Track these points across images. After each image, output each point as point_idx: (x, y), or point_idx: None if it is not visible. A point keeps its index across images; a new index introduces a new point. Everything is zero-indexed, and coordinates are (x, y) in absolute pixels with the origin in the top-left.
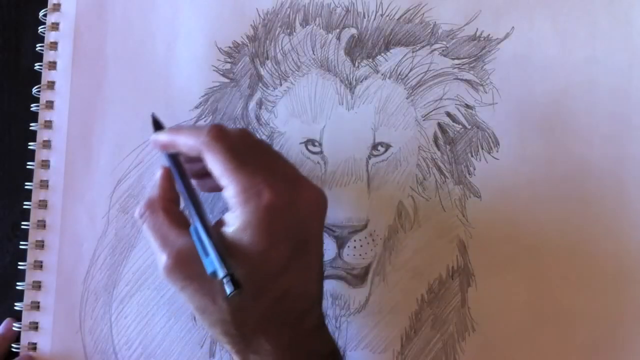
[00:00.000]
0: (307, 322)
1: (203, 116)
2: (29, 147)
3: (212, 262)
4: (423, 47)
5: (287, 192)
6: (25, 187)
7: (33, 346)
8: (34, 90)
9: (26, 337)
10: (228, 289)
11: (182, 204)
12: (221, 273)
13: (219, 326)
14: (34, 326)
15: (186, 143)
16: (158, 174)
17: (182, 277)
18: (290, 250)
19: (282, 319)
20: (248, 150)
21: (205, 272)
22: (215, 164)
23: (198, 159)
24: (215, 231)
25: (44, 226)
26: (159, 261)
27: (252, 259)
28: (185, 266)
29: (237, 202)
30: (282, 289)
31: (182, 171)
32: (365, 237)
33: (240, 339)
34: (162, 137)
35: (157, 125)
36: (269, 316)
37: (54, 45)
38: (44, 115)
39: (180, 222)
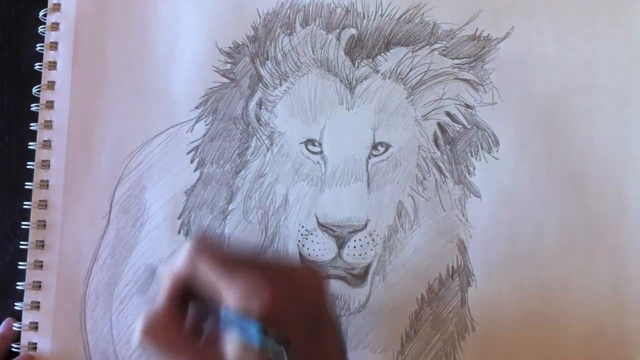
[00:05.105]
0: None
1: (203, 116)
2: (29, 147)
3: (256, 334)
4: (423, 47)
5: (285, 284)
6: (25, 187)
7: (33, 346)
8: (34, 90)
9: (26, 337)
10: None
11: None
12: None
13: None
14: (34, 326)
15: (182, 266)
16: (165, 285)
17: None
18: (306, 337)
19: None
20: (234, 254)
21: None
22: (208, 277)
23: None
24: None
25: (44, 226)
26: None
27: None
28: None
29: (239, 310)
30: None
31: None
32: (365, 237)
33: None
34: (163, 272)
35: (153, 274)
36: None
37: (54, 45)
38: (44, 115)
39: (190, 334)
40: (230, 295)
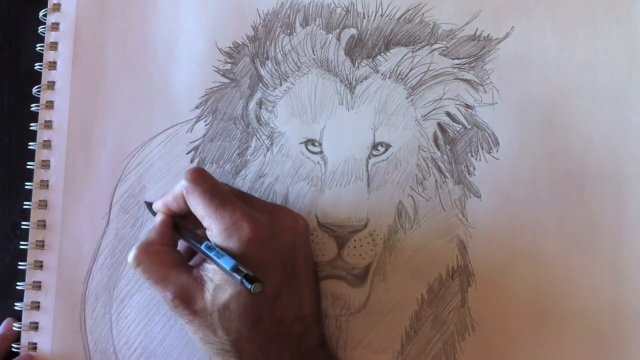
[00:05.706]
0: (306, 342)
1: (203, 116)
2: (29, 147)
3: (229, 260)
4: (423, 47)
5: (267, 223)
6: (25, 187)
7: (33, 346)
8: (34, 90)
9: (26, 337)
10: (249, 285)
11: (179, 246)
12: (239, 273)
13: (221, 355)
14: (34, 326)
15: (174, 196)
16: (158, 219)
17: (188, 312)
18: (280, 276)
19: (280, 344)
20: (225, 191)
21: (206, 306)
22: (197, 207)
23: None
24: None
25: (44, 226)
26: (164, 299)
27: (244, 291)
28: (189, 302)
29: (220, 240)
30: (277, 315)
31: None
32: (365, 237)
33: None
34: (157, 205)
35: (150, 208)
36: (267, 342)
37: (54, 45)
38: (44, 115)
39: (178, 262)
40: (212, 229)
